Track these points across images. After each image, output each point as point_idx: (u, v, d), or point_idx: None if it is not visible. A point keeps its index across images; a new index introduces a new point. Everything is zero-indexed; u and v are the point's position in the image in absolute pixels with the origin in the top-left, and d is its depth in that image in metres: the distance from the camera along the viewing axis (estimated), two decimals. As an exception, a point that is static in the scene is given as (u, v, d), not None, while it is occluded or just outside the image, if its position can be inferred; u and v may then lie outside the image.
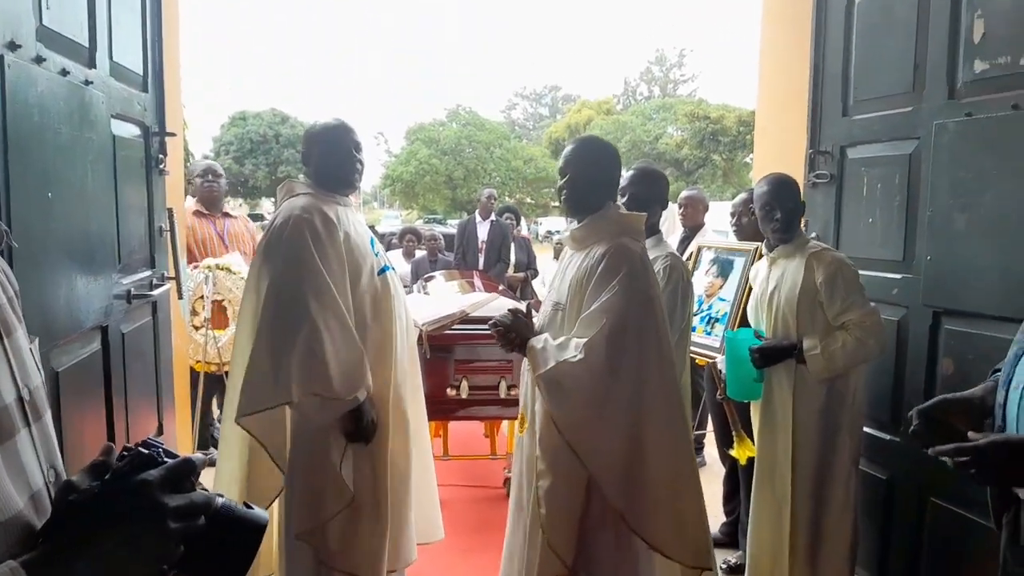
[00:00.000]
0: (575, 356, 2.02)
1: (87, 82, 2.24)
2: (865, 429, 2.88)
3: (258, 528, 0.79)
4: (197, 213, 4.43)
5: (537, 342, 2.13)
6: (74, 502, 0.71)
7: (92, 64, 2.32)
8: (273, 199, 35.17)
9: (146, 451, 0.75)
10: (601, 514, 2.15)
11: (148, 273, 2.82)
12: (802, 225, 2.95)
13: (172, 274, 3.06)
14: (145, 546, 0.70)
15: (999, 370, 1.70)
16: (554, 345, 2.09)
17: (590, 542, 2.17)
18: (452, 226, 17.05)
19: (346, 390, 2.27)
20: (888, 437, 2.84)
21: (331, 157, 2.49)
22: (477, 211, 7.85)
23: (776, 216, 2.76)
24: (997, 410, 1.61)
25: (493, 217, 7.66)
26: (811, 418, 2.71)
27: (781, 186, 2.78)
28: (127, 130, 2.67)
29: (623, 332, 2.04)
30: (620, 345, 2.03)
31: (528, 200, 37.18)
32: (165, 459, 0.75)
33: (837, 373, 2.64)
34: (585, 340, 2.03)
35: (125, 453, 0.77)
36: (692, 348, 3.02)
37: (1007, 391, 1.58)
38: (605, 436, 2.05)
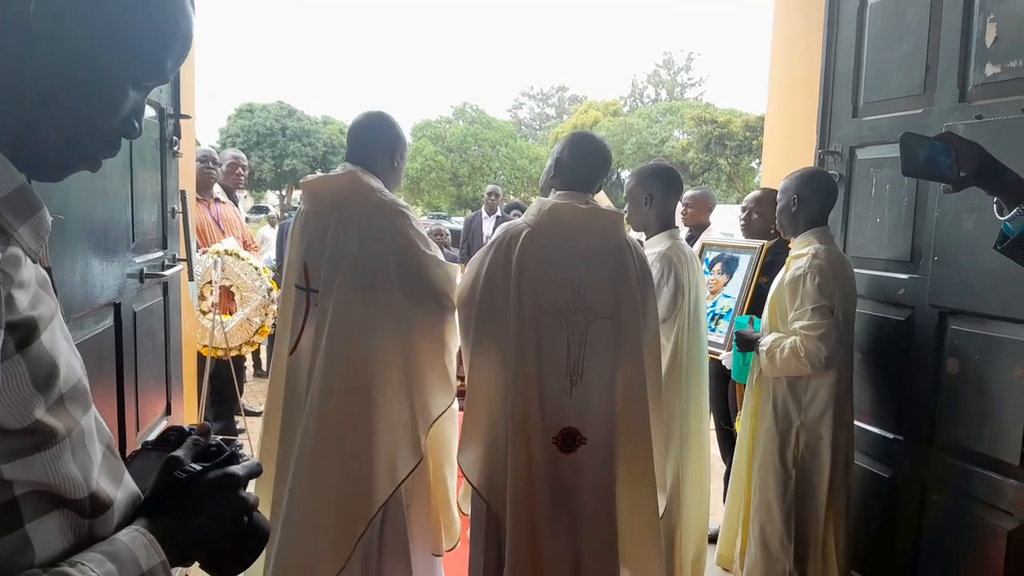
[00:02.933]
0: None
1: (107, 61, 2.26)
2: (869, 427, 2.92)
3: (266, 534, 0.90)
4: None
5: None
6: (183, 480, 0.83)
7: (112, 43, 2.34)
8: (279, 191, 34.82)
9: (228, 448, 0.89)
10: None
11: (160, 254, 2.83)
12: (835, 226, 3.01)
13: (183, 256, 3.09)
14: (223, 528, 0.83)
15: None
16: None
17: None
18: (457, 223, 17.11)
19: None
20: (892, 436, 2.85)
21: (403, 162, 2.53)
22: (483, 207, 7.91)
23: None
24: None
25: (499, 212, 7.71)
26: (766, 410, 2.81)
27: (785, 183, 2.84)
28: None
29: None
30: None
31: (532, 199, 37.14)
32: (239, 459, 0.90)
33: (776, 375, 2.73)
34: None
35: (198, 436, 0.90)
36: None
37: None
38: None
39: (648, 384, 2.33)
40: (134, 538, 0.75)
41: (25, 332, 0.68)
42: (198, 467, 0.84)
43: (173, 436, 0.92)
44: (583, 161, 2.36)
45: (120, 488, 0.81)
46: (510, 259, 2.21)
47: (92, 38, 0.75)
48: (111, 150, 0.82)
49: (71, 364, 0.76)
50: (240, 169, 5.18)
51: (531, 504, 2.20)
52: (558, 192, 2.34)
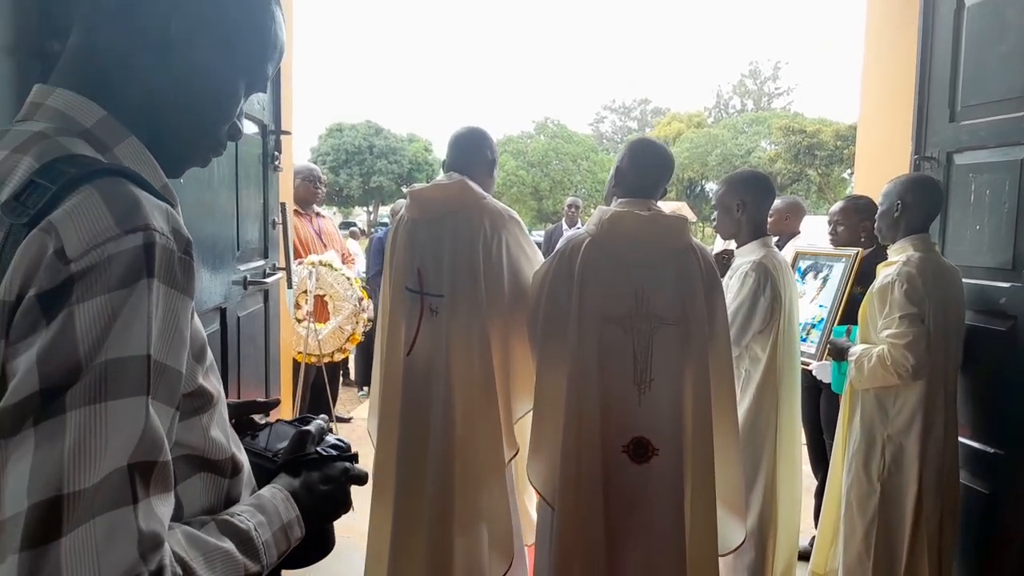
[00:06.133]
0: None
1: (216, 81, 2.41)
2: (967, 441, 2.80)
3: (332, 544, 1.00)
4: (295, 212, 4.65)
5: None
6: (318, 456, 0.95)
7: (220, 64, 2.49)
8: (366, 208, 35.60)
9: (352, 450, 1.02)
10: None
11: (261, 263, 2.98)
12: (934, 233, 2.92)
13: (283, 265, 3.24)
14: (328, 511, 0.94)
15: None
16: None
17: None
18: (537, 236, 17.27)
19: None
20: (992, 451, 2.74)
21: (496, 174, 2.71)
22: (563, 219, 7.98)
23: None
24: None
25: (579, 225, 7.76)
26: (855, 423, 2.75)
27: (889, 187, 2.79)
28: (247, 127, 2.85)
29: None
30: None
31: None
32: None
33: (865, 386, 2.67)
34: None
35: (327, 427, 1.03)
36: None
37: None
38: None
39: (717, 395, 2.25)
40: (274, 494, 0.86)
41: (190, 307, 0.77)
42: (333, 451, 0.95)
43: (308, 420, 1.04)
44: (643, 168, 2.34)
45: (242, 454, 0.90)
46: (572, 268, 2.21)
47: (217, 48, 0.83)
48: (221, 149, 0.91)
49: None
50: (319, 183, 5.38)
51: (596, 513, 2.17)
52: (620, 200, 2.33)
